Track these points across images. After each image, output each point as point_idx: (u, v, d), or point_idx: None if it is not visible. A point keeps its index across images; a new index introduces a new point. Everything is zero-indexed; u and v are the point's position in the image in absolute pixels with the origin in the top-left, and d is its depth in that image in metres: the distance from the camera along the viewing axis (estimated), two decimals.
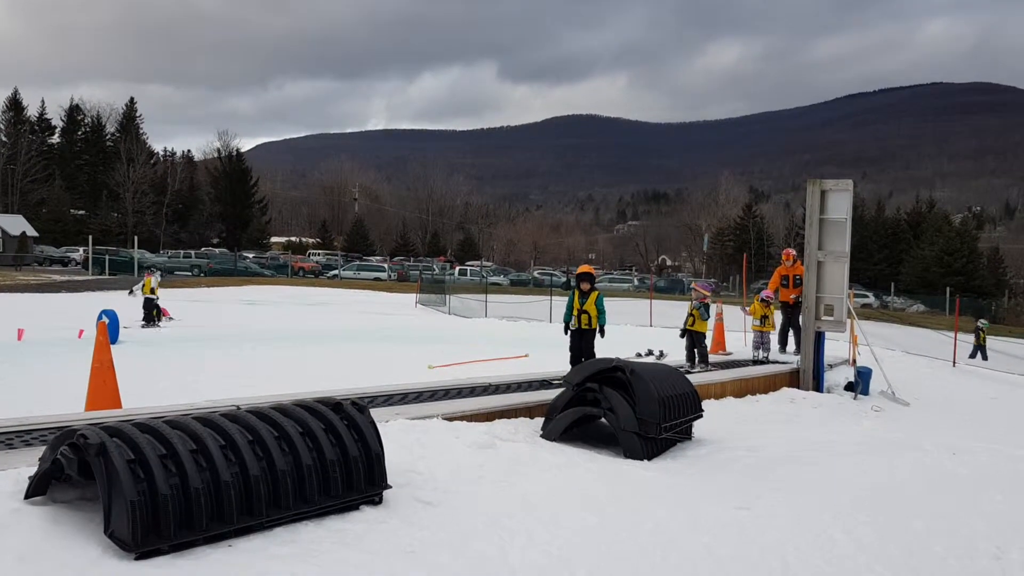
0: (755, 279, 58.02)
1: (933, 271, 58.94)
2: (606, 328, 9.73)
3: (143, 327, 18.88)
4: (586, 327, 9.56)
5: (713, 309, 15.60)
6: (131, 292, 19.95)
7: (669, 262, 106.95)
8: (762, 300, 13.57)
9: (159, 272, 23.41)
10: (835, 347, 14.94)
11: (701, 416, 8.04)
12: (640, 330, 21.56)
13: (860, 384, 11.97)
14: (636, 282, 61.10)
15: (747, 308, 15.08)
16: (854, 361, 13.40)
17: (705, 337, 11.78)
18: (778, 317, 14.42)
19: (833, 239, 12.01)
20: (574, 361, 9.56)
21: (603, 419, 7.28)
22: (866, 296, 48.44)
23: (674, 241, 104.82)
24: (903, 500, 6.21)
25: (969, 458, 7.92)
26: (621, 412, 7.04)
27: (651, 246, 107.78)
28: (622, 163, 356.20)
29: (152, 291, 20.07)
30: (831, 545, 5.12)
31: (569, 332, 9.78)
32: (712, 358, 13.57)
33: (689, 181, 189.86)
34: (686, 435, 7.79)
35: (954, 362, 17.88)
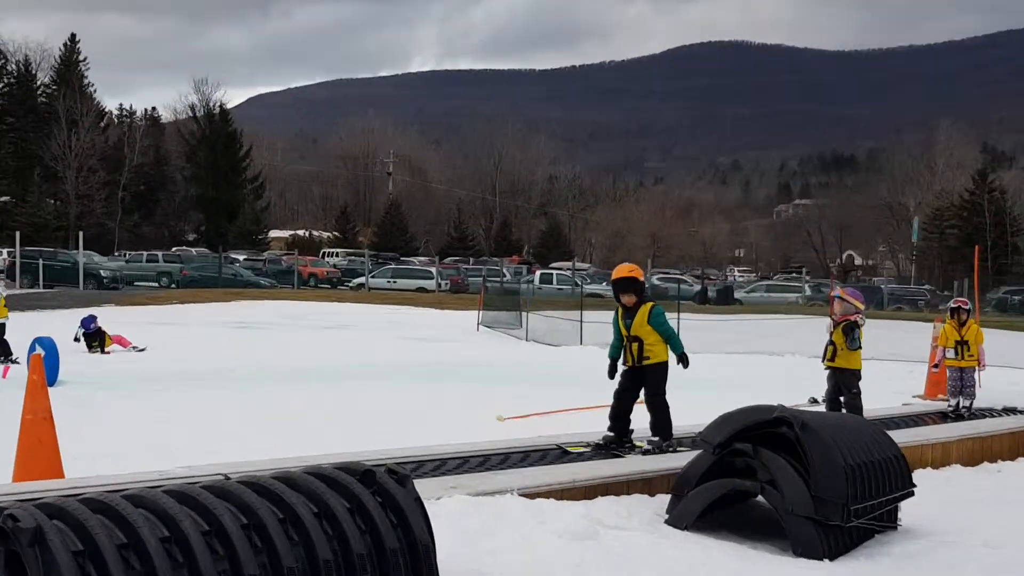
0: (992, 284, 56.40)
1: None
2: (687, 354, 9.05)
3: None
4: (640, 364, 8.81)
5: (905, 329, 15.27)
6: None
7: (858, 260, 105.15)
8: (952, 312, 13.06)
9: (3, 283, 22.73)
10: None
11: (912, 494, 7.92)
12: (813, 363, 21.18)
13: None
14: (808, 291, 60.23)
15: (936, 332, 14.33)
16: None
17: (857, 377, 11.00)
18: (1006, 341, 13.94)
19: None
20: (615, 417, 8.96)
21: (760, 497, 7.23)
22: None
23: (866, 228, 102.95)
24: None
25: None
26: (788, 487, 6.95)
27: (830, 236, 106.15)
28: (785, 114, 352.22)
29: None
30: None
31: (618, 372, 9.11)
32: (928, 405, 13.27)
33: (888, 138, 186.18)
34: (889, 522, 7.67)
35: None
